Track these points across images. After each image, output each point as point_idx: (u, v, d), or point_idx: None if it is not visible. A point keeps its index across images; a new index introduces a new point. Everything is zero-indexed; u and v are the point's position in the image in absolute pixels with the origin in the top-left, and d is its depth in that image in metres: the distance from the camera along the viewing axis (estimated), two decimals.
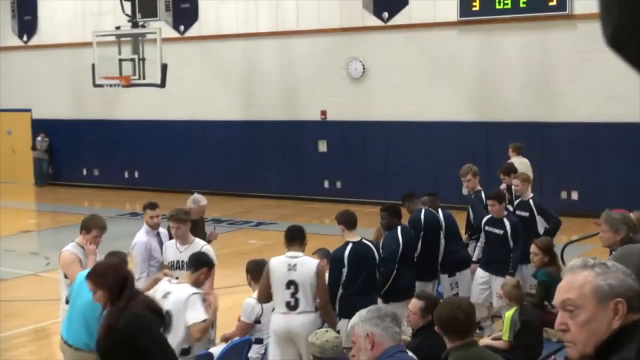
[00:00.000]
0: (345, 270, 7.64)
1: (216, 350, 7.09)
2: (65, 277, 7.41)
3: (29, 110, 25.78)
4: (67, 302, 7.09)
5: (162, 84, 16.71)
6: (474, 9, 18.13)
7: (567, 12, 17.21)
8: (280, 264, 7.14)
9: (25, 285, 12.88)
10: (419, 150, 19.15)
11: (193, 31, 22.04)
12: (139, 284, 8.46)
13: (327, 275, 7.61)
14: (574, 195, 17.65)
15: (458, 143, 18.35)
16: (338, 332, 6.33)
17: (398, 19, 19.23)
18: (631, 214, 7.32)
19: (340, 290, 7.61)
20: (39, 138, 25.26)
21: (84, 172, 24.74)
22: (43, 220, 20.36)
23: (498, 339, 7.73)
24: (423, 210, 9.37)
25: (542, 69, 17.69)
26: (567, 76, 17.35)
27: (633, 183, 16.39)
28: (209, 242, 9.48)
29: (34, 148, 25.48)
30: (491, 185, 11.48)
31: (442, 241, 9.40)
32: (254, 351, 7.40)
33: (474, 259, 9.78)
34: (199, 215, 9.48)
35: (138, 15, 17.36)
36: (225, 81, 21.73)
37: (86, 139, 24.30)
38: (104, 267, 5.38)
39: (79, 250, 7.45)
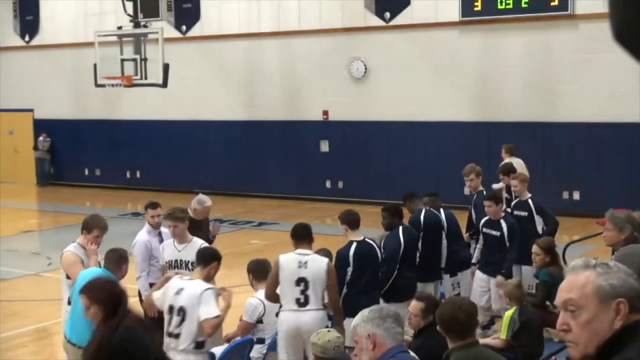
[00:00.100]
0: (350, 269, 7.68)
1: (218, 350, 7.09)
2: (67, 277, 7.41)
3: (30, 110, 25.79)
4: (69, 302, 7.09)
5: (164, 84, 16.72)
6: (475, 9, 18.12)
7: (569, 12, 17.19)
8: (290, 260, 7.14)
9: (26, 285, 12.88)
10: (421, 150, 19.14)
11: (195, 31, 22.04)
12: (139, 283, 8.53)
13: None
14: (576, 195, 17.63)
15: (460, 143, 18.34)
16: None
17: (400, 19, 19.22)
18: (634, 214, 7.30)
19: (345, 289, 7.63)
20: (40, 138, 25.27)
21: (86, 172, 24.75)
22: (45, 220, 20.36)
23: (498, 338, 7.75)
24: (423, 211, 9.36)
25: (544, 69, 17.67)
26: (569, 76, 17.33)
27: (634, 183, 16.38)
28: (213, 236, 9.51)
29: (35, 148, 25.48)
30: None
31: (444, 241, 9.39)
32: (256, 351, 7.38)
33: (473, 260, 9.74)
34: (203, 215, 9.50)
35: (140, 15, 17.38)
36: (227, 81, 21.73)
37: (88, 139, 24.30)
38: (100, 282, 5.24)
39: (80, 250, 7.46)
